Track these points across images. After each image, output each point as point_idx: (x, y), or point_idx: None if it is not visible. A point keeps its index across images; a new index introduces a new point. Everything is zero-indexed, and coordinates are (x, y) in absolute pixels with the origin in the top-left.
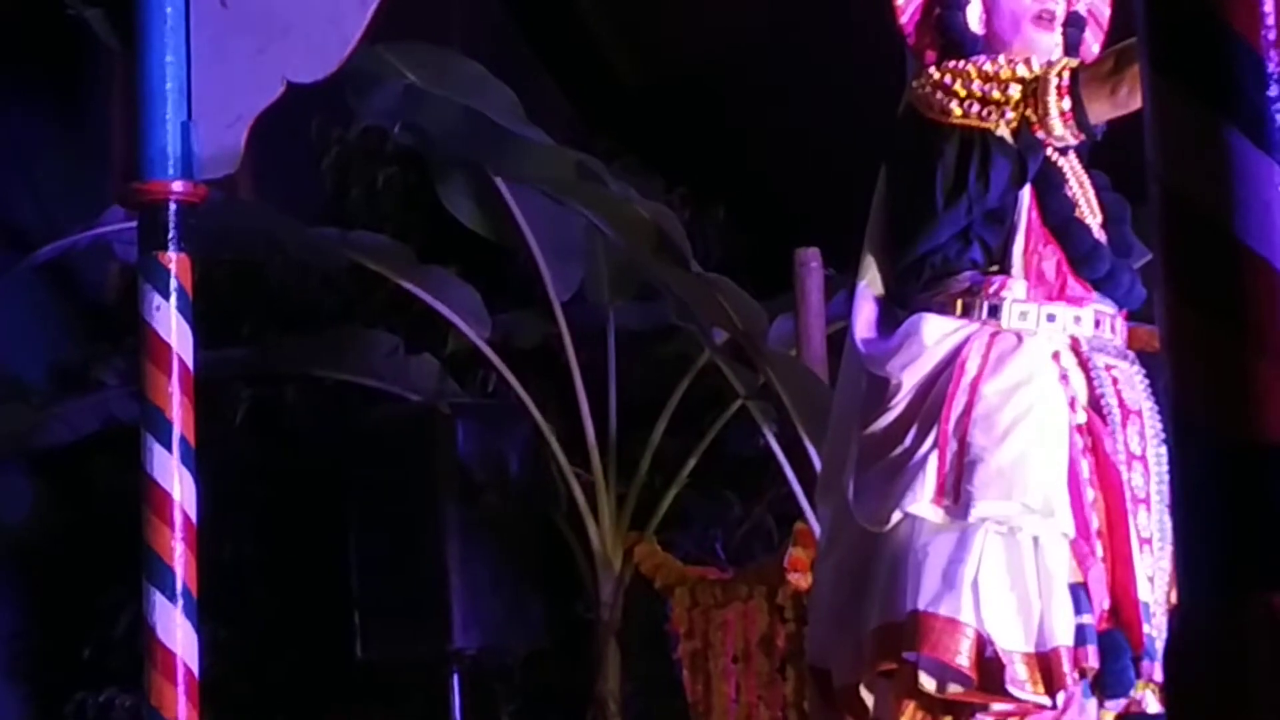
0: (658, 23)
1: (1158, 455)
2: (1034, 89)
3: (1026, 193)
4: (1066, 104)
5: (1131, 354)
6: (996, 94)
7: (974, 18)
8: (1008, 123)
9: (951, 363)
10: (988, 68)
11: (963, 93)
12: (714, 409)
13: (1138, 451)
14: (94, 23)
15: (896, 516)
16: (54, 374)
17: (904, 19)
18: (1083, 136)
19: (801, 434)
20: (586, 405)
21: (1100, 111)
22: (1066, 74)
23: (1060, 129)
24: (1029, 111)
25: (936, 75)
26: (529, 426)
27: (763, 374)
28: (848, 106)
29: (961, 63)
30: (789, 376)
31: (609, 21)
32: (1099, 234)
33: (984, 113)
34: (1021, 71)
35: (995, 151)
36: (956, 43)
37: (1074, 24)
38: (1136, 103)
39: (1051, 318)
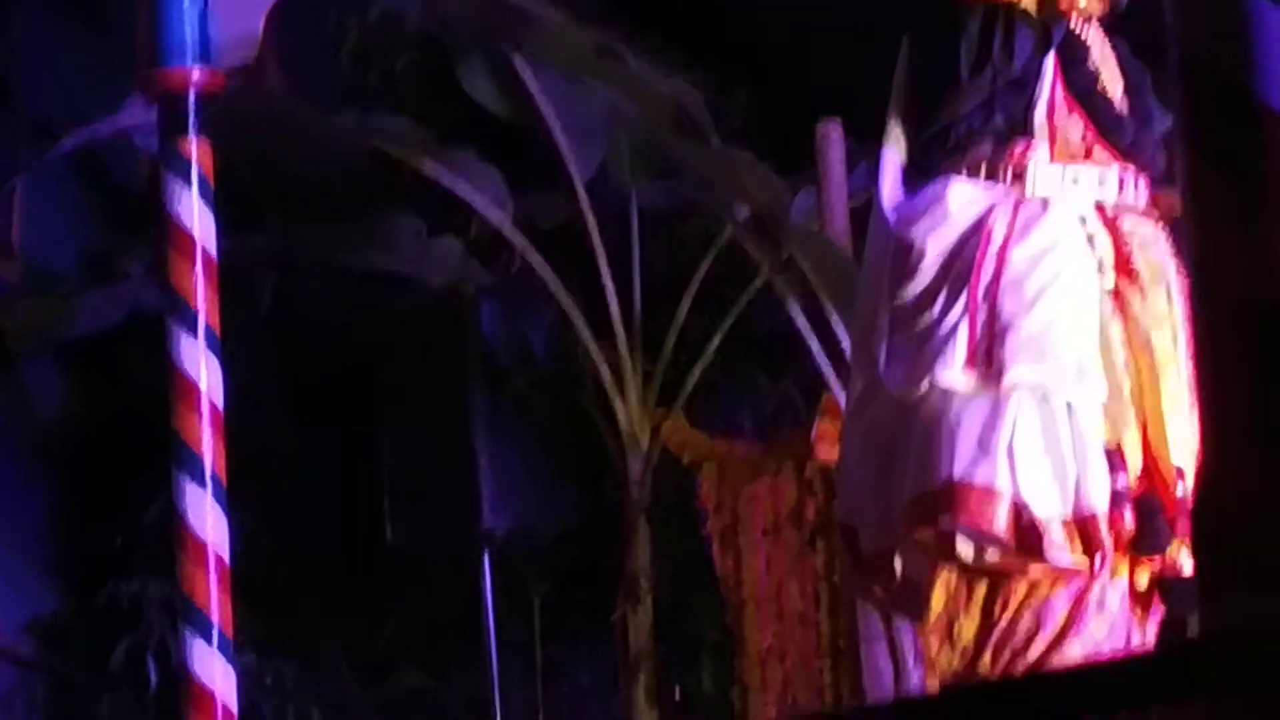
0: None
1: (1184, 316)
2: None
3: (1050, 62)
4: None
5: (1156, 215)
6: None
7: None
8: None
9: (978, 230)
10: None
11: None
12: (738, 285)
13: (1165, 312)
14: None
15: (927, 384)
16: (83, 264)
17: None
18: (1107, 7)
19: (826, 306)
20: (611, 284)
21: None
22: None
23: None
24: None
25: None
26: (553, 307)
27: (786, 248)
28: None
29: None
30: (812, 250)
31: None
32: (1121, 103)
33: None
34: None
35: (1019, 21)
36: None
37: None
38: None
39: (1076, 180)
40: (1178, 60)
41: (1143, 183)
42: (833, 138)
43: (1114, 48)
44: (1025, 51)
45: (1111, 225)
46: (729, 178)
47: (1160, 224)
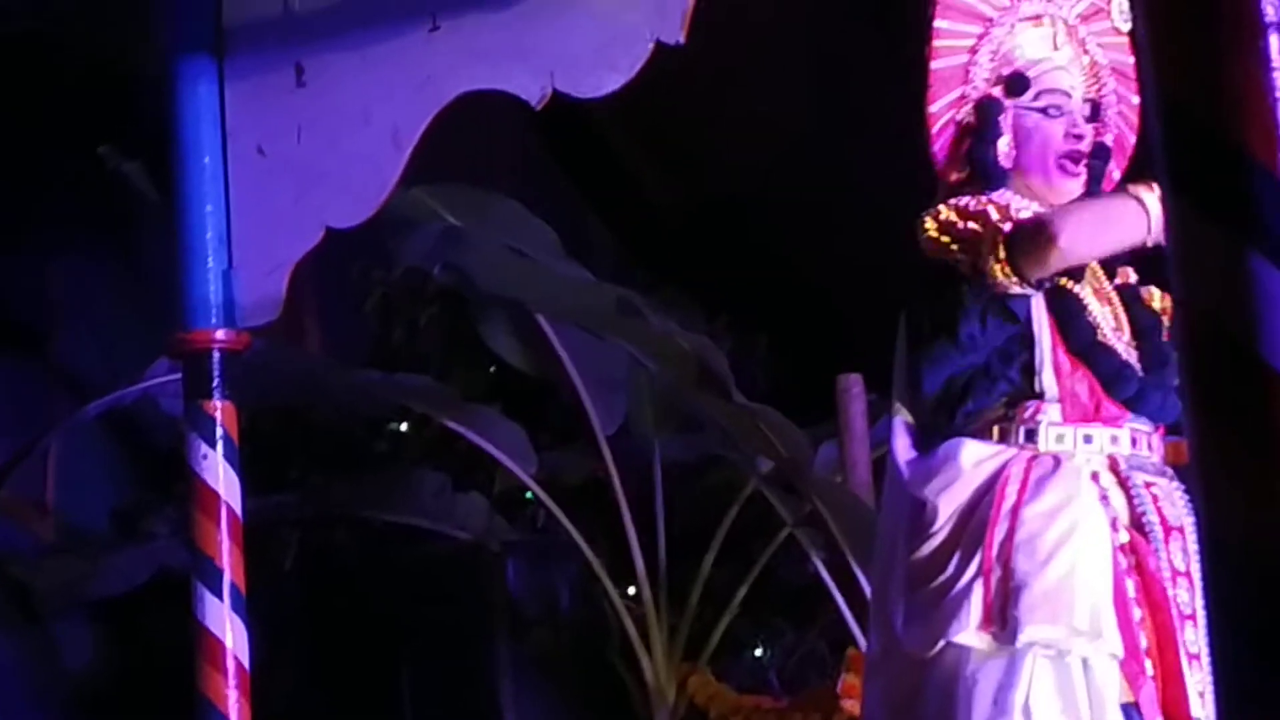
0: (695, 152)
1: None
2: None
3: (1045, 322)
4: (1003, 254)
5: (1170, 470)
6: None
7: (1003, 151)
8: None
9: (991, 488)
10: (970, 205)
11: (953, 239)
12: (762, 537)
13: (1182, 568)
14: (133, 176)
15: (943, 643)
16: (114, 522)
17: (935, 146)
18: (1028, 289)
19: (850, 559)
20: (635, 538)
21: (1033, 271)
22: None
23: (1002, 279)
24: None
25: (934, 222)
26: (578, 561)
27: (809, 501)
28: (886, 230)
29: (952, 206)
30: (835, 503)
31: (647, 153)
32: (1127, 352)
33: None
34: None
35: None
36: (984, 176)
37: (1099, 156)
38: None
39: (1088, 439)
40: (1181, 317)
41: (1155, 436)
42: (854, 391)
43: (1131, 292)
44: (996, 324)
45: (1124, 481)
46: (751, 431)
47: (1175, 477)
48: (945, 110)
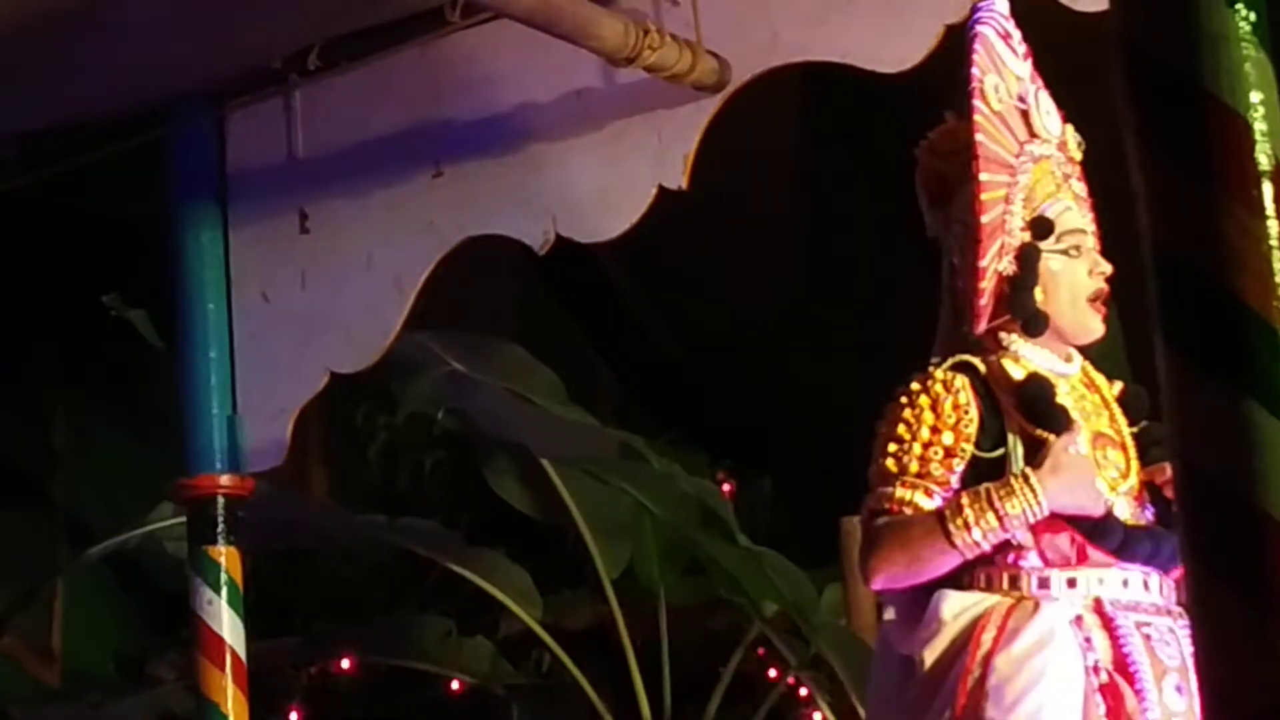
0: (698, 297)
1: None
2: None
3: None
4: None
5: (1176, 608)
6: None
7: (1039, 298)
8: None
9: (969, 637)
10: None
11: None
12: (768, 681)
13: (1179, 708)
14: (137, 323)
15: None
16: (119, 667)
17: (982, 300)
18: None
19: (855, 703)
20: (641, 682)
21: None
22: None
23: None
24: None
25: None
26: (584, 706)
27: (814, 644)
28: (892, 373)
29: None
30: (840, 646)
31: (651, 298)
32: (1130, 501)
33: None
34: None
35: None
36: (1029, 324)
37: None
38: None
39: (1073, 582)
40: (1178, 469)
41: (1153, 575)
42: (856, 533)
43: (1147, 434)
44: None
45: (1110, 623)
46: (754, 575)
47: (1182, 615)
48: (991, 262)
